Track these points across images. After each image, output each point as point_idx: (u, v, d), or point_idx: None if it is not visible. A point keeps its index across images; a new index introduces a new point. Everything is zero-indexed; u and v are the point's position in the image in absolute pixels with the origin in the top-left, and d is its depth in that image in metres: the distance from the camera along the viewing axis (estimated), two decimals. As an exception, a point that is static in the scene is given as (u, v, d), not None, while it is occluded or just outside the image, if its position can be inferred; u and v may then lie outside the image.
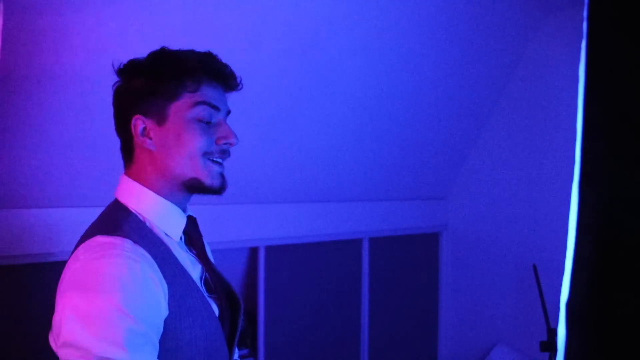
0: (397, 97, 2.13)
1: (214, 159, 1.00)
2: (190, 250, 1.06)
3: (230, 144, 1.01)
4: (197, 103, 0.97)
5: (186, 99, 0.97)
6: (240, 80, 1.04)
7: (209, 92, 0.99)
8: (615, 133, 0.50)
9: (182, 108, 0.97)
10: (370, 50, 1.90)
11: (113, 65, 1.01)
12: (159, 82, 0.97)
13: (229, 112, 1.04)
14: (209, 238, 1.27)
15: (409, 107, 2.22)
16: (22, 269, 1.48)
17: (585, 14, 0.51)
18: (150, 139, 0.98)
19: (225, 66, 1.02)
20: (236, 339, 1.11)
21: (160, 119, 0.98)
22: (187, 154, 0.97)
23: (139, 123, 0.98)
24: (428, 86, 2.20)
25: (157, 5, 1.37)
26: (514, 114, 2.53)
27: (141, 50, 1.02)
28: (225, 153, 1.02)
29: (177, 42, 1.04)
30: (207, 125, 0.99)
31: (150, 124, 0.98)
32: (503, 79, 2.49)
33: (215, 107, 1.00)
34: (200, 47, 1.04)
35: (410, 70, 2.08)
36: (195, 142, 0.97)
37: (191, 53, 1.00)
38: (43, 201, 1.49)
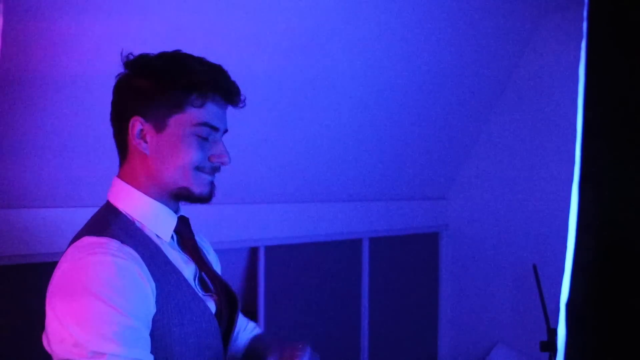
0: (397, 97, 2.13)
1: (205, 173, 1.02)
2: (183, 250, 1.07)
3: (222, 163, 1.03)
4: (199, 124, 0.98)
5: (189, 114, 0.98)
6: (244, 99, 1.05)
7: (212, 110, 1.00)
8: (615, 133, 0.50)
9: (183, 122, 0.98)
10: (370, 50, 1.90)
11: (121, 55, 1.00)
12: (166, 90, 0.97)
13: (226, 131, 1.06)
14: (209, 238, 1.27)
15: (409, 107, 2.22)
16: (22, 269, 1.48)
17: (585, 14, 0.51)
18: (146, 142, 0.98)
19: (234, 84, 1.02)
20: (232, 335, 1.12)
21: (160, 126, 0.98)
22: (179, 165, 0.99)
23: (137, 125, 0.98)
24: (428, 86, 2.20)
25: (157, 6, 1.37)
26: (514, 113, 2.53)
27: (141, 51, 1.01)
28: (216, 170, 1.04)
29: (177, 43, 1.04)
30: (204, 140, 1.00)
31: (148, 128, 0.98)
32: (503, 79, 2.49)
33: (214, 128, 1.01)
34: (200, 47, 1.04)
35: (411, 70, 2.08)
36: (190, 155, 0.98)
37: (202, 65, 1.00)
38: (43, 201, 1.49)
